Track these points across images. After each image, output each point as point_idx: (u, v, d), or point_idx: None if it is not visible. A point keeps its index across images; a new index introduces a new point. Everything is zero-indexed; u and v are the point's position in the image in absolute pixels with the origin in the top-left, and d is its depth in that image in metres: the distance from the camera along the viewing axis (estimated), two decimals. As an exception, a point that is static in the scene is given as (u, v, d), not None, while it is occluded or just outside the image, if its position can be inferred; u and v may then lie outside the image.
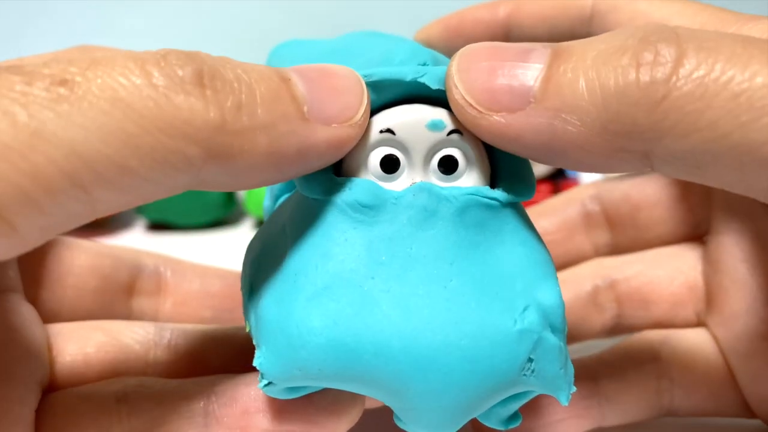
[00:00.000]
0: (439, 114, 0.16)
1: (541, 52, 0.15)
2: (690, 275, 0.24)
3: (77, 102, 0.13)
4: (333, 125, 0.15)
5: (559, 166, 0.15)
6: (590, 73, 0.14)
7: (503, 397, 0.16)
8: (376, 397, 0.16)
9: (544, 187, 0.43)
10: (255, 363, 0.15)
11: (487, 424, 0.17)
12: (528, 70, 0.15)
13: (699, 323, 0.24)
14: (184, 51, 0.14)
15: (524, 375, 0.15)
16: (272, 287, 0.16)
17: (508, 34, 0.22)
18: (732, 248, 0.22)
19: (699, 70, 0.14)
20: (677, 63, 0.14)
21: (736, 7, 0.18)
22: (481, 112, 0.15)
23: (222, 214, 0.43)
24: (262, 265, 0.17)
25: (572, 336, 0.24)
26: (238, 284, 0.19)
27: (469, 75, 0.15)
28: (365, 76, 0.16)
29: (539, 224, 0.18)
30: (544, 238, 0.17)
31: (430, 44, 0.22)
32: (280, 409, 0.17)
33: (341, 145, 0.15)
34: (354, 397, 0.17)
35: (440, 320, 0.15)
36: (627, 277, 0.24)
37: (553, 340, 0.15)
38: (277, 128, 0.14)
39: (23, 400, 0.18)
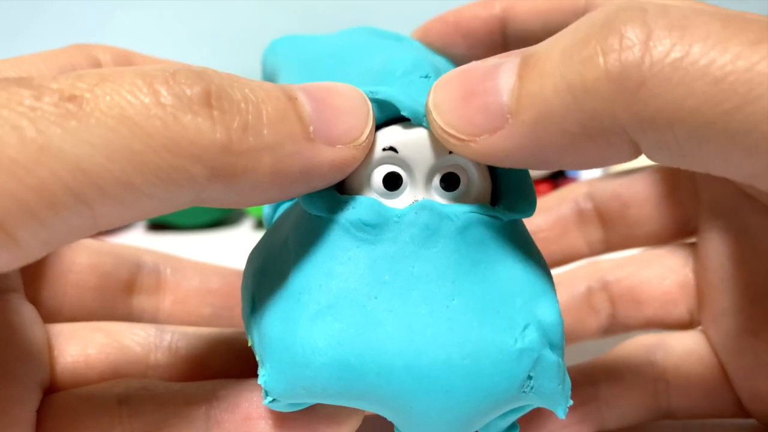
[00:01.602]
0: None
1: (511, 62, 0.15)
2: (681, 274, 0.24)
3: (85, 118, 0.13)
4: (338, 146, 0.15)
5: (558, 170, 0.15)
6: (557, 74, 0.14)
7: (503, 412, 0.16)
8: (378, 413, 0.16)
9: (543, 187, 0.43)
10: (260, 381, 0.16)
11: None
12: (499, 86, 0.14)
13: (692, 322, 0.24)
14: (193, 68, 0.14)
15: (524, 392, 0.15)
16: (276, 304, 0.16)
17: (505, 29, 0.22)
18: (719, 246, 0.22)
19: (674, 51, 0.13)
20: (646, 44, 0.13)
21: (736, 7, 0.18)
22: (463, 140, 0.15)
23: (222, 214, 0.43)
24: (264, 279, 0.17)
25: (568, 338, 0.24)
26: (238, 282, 0.19)
27: (444, 106, 0.15)
28: (369, 93, 0.16)
29: (534, 222, 0.18)
30: (539, 235, 0.17)
31: (428, 41, 0.22)
32: (282, 416, 0.17)
33: (345, 167, 0.15)
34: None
35: (443, 340, 0.15)
36: (619, 278, 0.24)
37: (552, 357, 0.16)
38: (283, 148, 0.14)
39: (23, 401, 0.18)
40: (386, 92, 0.16)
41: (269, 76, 0.24)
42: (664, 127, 0.13)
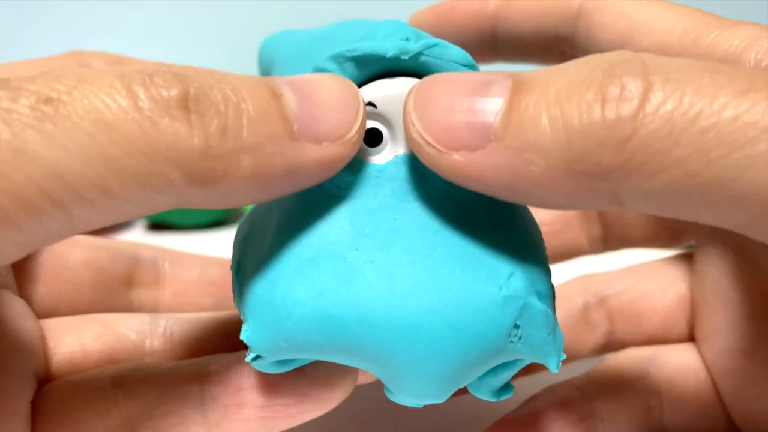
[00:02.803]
0: None
1: (502, 84, 0.14)
2: (681, 288, 0.23)
3: (61, 122, 0.12)
4: (324, 143, 0.15)
5: (523, 204, 0.15)
6: (553, 110, 0.13)
7: (492, 366, 0.16)
8: (363, 368, 0.16)
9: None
10: (242, 336, 0.15)
11: (477, 395, 0.17)
12: (488, 105, 0.14)
13: (691, 337, 0.23)
14: (172, 69, 0.14)
15: (511, 342, 0.15)
16: (258, 263, 0.16)
17: (495, 27, 0.22)
18: (716, 261, 0.22)
19: (666, 104, 0.13)
20: (644, 98, 0.13)
21: (736, 7, 0.18)
22: (440, 150, 0.14)
23: (222, 214, 0.43)
24: (249, 244, 0.17)
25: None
26: (238, 272, 0.19)
27: (426, 112, 0.15)
28: (347, 51, 0.16)
29: (537, 216, 0.18)
30: (542, 230, 0.17)
31: (419, 29, 0.22)
32: (273, 383, 0.17)
33: (332, 165, 0.15)
34: (346, 369, 0.17)
35: (424, 288, 0.15)
36: (618, 292, 0.24)
37: (539, 305, 0.15)
38: (264, 149, 0.14)
39: (17, 392, 0.18)
40: (365, 45, 0.16)
41: (265, 71, 0.24)
42: (649, 177, 0.13)
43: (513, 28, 0.22)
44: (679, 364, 0.22)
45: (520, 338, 0.15)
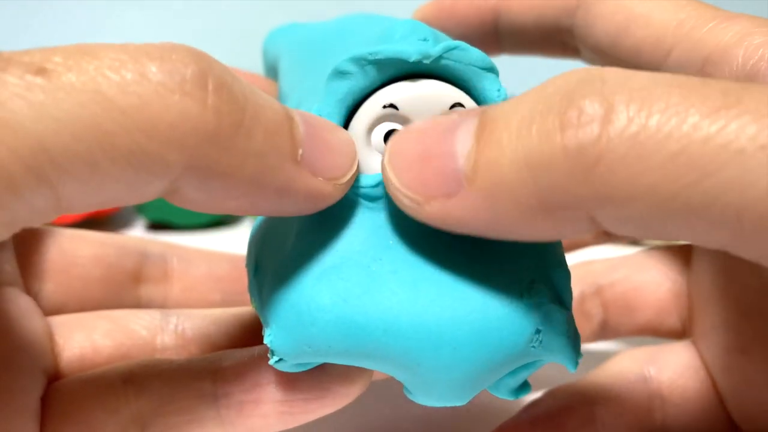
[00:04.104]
0: (442, 88, 0.16)
1: (469, 124, 0.14)
2: (677, 282, 0.23)
3: (52, 92, 0.12)
4: (319, 178, 0.15)
5: (511, 240, 0.14)
6: (515, 144, 0.13)
7: (513, 368, 0.16)
8: (385, 372, 0.16)
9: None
10: (265, 340, 0.15)
11: (496, 394, 0.17)
12: (456, 149, 0.14)
13: (684, 331, 0.23)
14: (196, 50, 0.13)
15: (533, 347, 0.15)
16: (280, 266, 0.16)
17: (497, 19, 0.22)
18: (712, 257, 0.22)
19: (631, 126, 0.12)
20: (605, 120, 0.12)
21: (735, 6, 0.18)
22: (418, 202, 0.14)
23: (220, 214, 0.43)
24: (268, 243, 0.17)
25: None
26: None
27: (400, 165, 0.15)
28: (370, 54, 0.16)
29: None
30: None
31: (424, 22, 0.22)
32: (292, 379, 0.17)
33: (320, 200, 0.15)
34: None
35: (448, 296, 0.15)
36: (612, 282, 0.24)
37: (560, 311, 0.15)
38: (269, 160, 0.14)
39: (26, 389, 0.18)
40: (388, 49, 0.16)
41: (271, 64, 0.24)
42: (622, 204, 0.12)
43: (514, 20, 0.22)
44: (680, 364, 0.22)
45: (541, 342, 0.15)
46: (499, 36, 0.23)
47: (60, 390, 0.18)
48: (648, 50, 0.18)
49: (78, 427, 0.18)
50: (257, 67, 0.26)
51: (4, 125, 0.11)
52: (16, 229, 0.13)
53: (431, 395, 0.15)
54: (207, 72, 0.13)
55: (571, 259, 0.26)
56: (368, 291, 0.15)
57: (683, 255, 0.24)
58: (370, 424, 0.23)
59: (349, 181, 0.15)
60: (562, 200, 0.13)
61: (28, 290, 0.21)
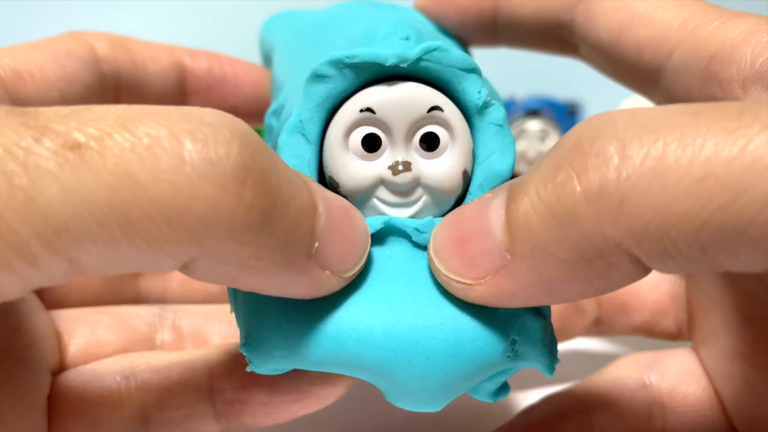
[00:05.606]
0: (419, 91, 0.16)
1: (500, 198, 0.14)
2: (675, 284, 0.23)
3: (84, 173, 0.11)
4: (327, 272, 0.14)
5: (571, 302, 0.14)
6: (538, 204, 0.13)
7: (488, 376, 0.16)
8: (361, 378, 0.16)
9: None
10: (240, 349, 0.15)
11: (476, 397, 0.17)
12: (492, 225, 0.14)
13: (679, 333, 0.23)
14: (240, 128, 0.13)
15: (508, 356, 0.15)
16: None
17: (497, 11, 0.22)
18: None
19: (649, 158, 0.12)
20: (621, 157, 0.12)
21: (736, 6, 0.18)
22: (469, 284, 0.14)
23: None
24: None
25: None
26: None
27: (444, 253, 0.15)
28: (347, 57, 0.16)
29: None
30: None
31: (426, 12, 0.22)
32: (275, 381, 0.18)
33: (322, 290, 0.15)
34: None
35: (422, 306, 0.15)
36: None
37: (536, 321, 0.15)
38: (284, 254, 0.13)
39: (36, 388, 0.18)
40: (365, 52, 0.16)
41: (266, 54, 0.24)
42: (658, 236, 0.12)
43: (514, 13, 0.22)
44: (681, 370, 0.22)
45: (516, 352, 0.15)
46: (498, 28, 0.23)
47: (64, 385, 0.19)
48: (650, 48, 0.18)
49: (83, 421, 0.18)
50: (254, 55, 0.25)
51: (31, 204, 0.11)
52: (31, 290, 0.12)
53: (407, 401, 0.16)
54: (249, 165, 0.12)
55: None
56: (341, 302, 0.15)
57: None
58: (368, 423, 0.23)
59: (355, 273, 0.15)
60: (599, 246, 0.12)
61: None
